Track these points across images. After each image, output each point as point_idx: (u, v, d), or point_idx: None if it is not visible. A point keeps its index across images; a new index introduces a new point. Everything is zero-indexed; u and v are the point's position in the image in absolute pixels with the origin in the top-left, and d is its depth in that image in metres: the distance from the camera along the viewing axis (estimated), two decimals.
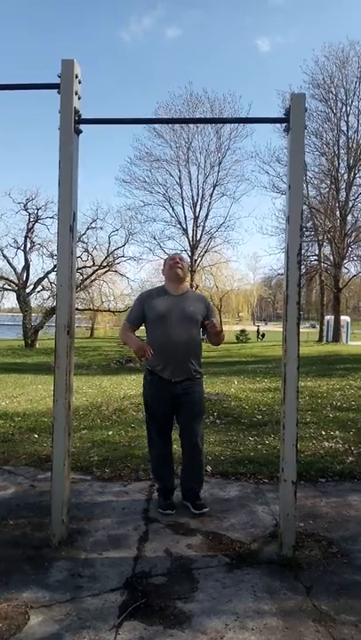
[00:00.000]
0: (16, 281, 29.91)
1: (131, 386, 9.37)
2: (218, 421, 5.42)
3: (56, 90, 2.54)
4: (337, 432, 4.90)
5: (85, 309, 32.12)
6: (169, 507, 3.00)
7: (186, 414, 3.03)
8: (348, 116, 28.98)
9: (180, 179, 31.89)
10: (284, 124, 2.61)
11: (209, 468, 3.73)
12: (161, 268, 3.30)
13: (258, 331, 40.52)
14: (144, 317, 3.06)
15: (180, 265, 3.05)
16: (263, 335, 39.16)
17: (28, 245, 30.33)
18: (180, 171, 31.78)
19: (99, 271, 30.42)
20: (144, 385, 3.16)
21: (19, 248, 30.28)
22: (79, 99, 2.62)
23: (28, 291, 29.75)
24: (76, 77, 2.56)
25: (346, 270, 31.39)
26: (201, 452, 3.11)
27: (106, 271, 31.07)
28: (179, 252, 28.21)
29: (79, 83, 2.60)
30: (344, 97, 28.69)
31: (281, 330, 2.59)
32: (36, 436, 4.82)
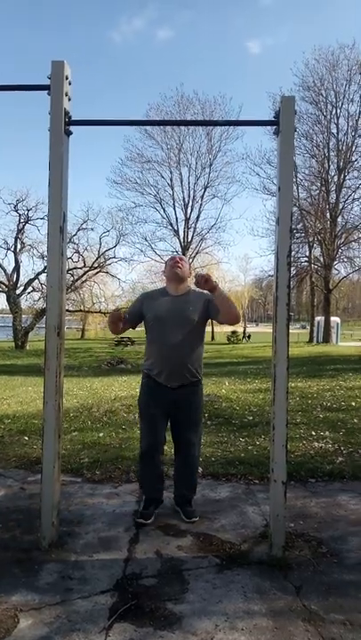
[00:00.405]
0: (6, 282, 29.74)
1: (122, 387, 9.35)
2: (209, 422, 5.42)
3: (46, 91, 2.53)
4: (327, 432, 4.93)
5: (76, 311, 32.02)
6: (144, 516, 2.88)
7: (181, 422, 2.98)
8: (338, 118, 29.29)
9: (171, 180, 32.00)
10: (274, 127, 2.62)
11: (200, 470, 3.73)
12: (160, 270, 3.28)
13: (244, 331, 40.54)
14: (141, 317, 3.00)
15: (179, 265, 2.98)
16: (249, 336, 39.13)
17: (19, 246, 30.20)
18: (171, 172, 31.86)
19: (90, 272, 30.37)
20: (140, 389, 3.09)
21: (9, 249, 30.16)
22: (69, 100, 2.61)
23: (18, 292, 29.59)
24: (67, 79, 2.55)
25: (336, 272, 31.70)
26: (195, 459, 3.06)
27: (97, 272, 31.02)
28: (178, 252, 28.24)
29: (69, 84, 2.60)
30: (334, 99, 28.99)
31: (271, 331, 2.61)
32: (27, 438, 4.80)
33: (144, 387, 3.05)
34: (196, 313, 2.91)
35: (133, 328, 3.14)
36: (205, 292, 2.84)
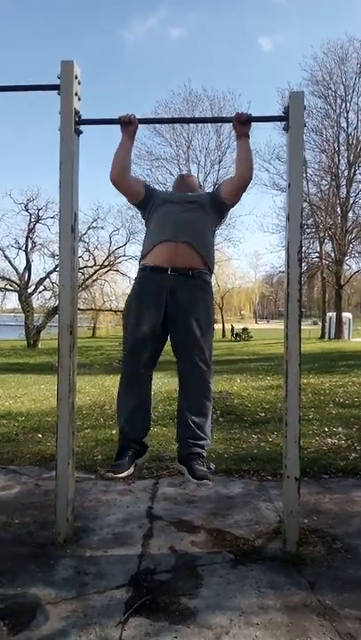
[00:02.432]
0: (18, 281, 29.98)
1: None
2: (221, 419, 5.43)
3: (56, 91, 2.55)
4: (340, 428, 4.91)
5: (87, 309, 32.19)
6: (115, 468, 2.32)
7: (184, 327, 2.42)
8: (347, 112, 28.96)
9: None
10: (283, 122, 2.62)
11: (212, 466, 3.73)
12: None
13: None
14: (149, 193, 2.73)
15: (189, 179, 2.92)
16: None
17: (30, 246, 30.43)
18: (180, 169, 31.75)
19: (100, 271, 30.48)
20: (130, 291, 2.64)
21: (20, 248, 30.39)
22: (79, 99, 2.63)
23: (29, 291, 29.82)
24: (76, 78, 2.57)
25: (347, 267, 31.44)
26: (205, 389, 2.49)
27: (107, 271, 31.13)
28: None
29: (79, 84, 2.62)
30: (343, 93, 28.68)
31: (282, 327, 2.60)
32: (40, 435, 4.85)
33: (136, 284, 2.58)
34: (205, 196, 2.75)
35: (136, 193, 2.72)
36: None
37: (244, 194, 2.72)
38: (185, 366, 2.49)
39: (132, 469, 2.39)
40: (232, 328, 37.10)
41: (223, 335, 39.38)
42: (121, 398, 2.56)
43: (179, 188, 2.85)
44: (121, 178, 2.67)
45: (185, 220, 2.54)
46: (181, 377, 2.53)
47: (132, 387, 2.51)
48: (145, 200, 2.72)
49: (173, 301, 2.41)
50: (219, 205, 2.70)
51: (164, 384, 9.17)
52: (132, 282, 2.70)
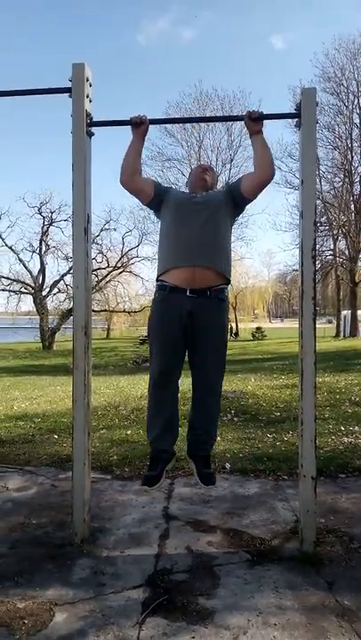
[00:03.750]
0: (32, 284, 30.32)
1: (148, 385, 9.40)
2: (236, 419, 5.42)
3: (67, 94, 2.57)
4: (356, 427, 4.86)
5: (101, 310, 32.40)
6: (148, 480, 2.61)
7: (200, 346, 2.59)
8: (360, 108, 28.66)
9: None
10: (295, 120, 2.60)
11: (228, 466, 3.73)
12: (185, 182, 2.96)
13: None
14: (162, 193, 2.71)
15: (207, 174, 2.82)
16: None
17: (43, 249, 30.78)
18: (191, 169, 31.75)
19: (113, 272, 30.68)
20: (151, 311, 2.73)
21: (34, 251, 30.76)
22: (90, 101, 2.64)
23: (44, 293, 30.12)
24: (87, 80, 2.58)
25: None
26: (215, 397, 2.70)
27: (120, 272, 31.30)
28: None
29: (90, 86, 2.63)
30: (356, 89, 28.37)
31: (296, 326, 2.59)
32: (56, 436, 4.88)
33: (156, 303, 2.65)
34: (222, 194, 2.71)
35: (145, 194, 2.72)
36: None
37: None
38: (200, 381, 2.70)
39: (162, 479, 2.68)
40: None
41: (237, 335, 39.27)
42: (151, 417, 2.77)
43: (196, 182, 2.81)
44: (131, 181, 2.68)
45: (202, 240, 2.53)
46: (196, 389, 2.74)
47: (161, 408, 2.72)
48: (155, 200, 2.73)
49: (192, 325, 2.54)
50: (237, 201, 2.69)
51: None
52: (153, 296, 2.75)
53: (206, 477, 2.62)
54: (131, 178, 2.67)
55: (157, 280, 2.66)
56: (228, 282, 2.65)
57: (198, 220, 2.55)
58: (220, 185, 3.19)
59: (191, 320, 2.52)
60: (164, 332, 2.60)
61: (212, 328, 2.58)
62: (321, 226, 28.48)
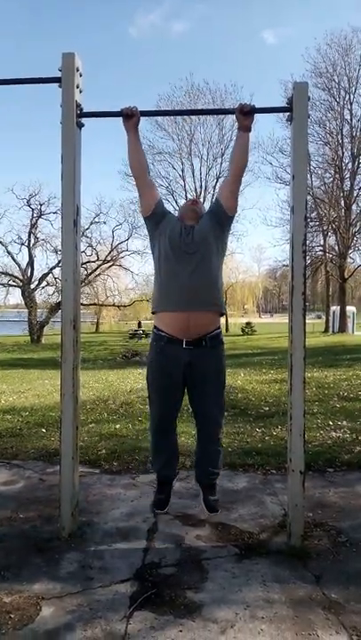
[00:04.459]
0: (21, 277, 30.07)
1: (137, 379, 9.40)
2: (225, 413, 5.42)
3: (57, 84, 2.53)
4: (344, 422, 4.89)
5: (90, 304, 32.25)
6: (160, 504, 2.84)
7: (200, 391, 2.72)
8: (351, 104, 28.81)
9: (182, 171, 31.88)
10: (287, 114, 2.59)
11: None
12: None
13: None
14: (162, 218, 2.76)
15: (196, 205, 2.91)
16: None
17: (32, 241, 30.50)
18: (182, 163, 31.65)
19: (103, 266, 30.54)
20: (148, 361, 2.87)
21: (22, 244, 30.45)
22: (80, 92, 2.60)
23: (32, 286, 29.87)
24: (77, 70, 2.54)
25: (351, 260, 31.32)
26: (218, 435, 2.84)
27: (110, 266, 31.17)
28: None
29: (80, 76, 2.59)
30: (347, 85, 28.50)
31: (286, 321, 2.59)
32: (44, 430, 4.85)
33: (155, 354, 2.75)
34: (209, 222, 2.71)
35: (152, 197, 2.79)
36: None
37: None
38: (202, 426, 2.85)
39: (170, 498, 2.90)
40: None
41: (227, 330, 39.33)
42: (154, 453, 2.94)
43: (186, 214, 2.82)
44: (140, 168, 2.79)
45: (193, 285, 2.58)
46: (199, 423, 2.87)
47: (163, 446, 2.89)
48: (152, 219, 2.77)
49: (191, 373, 2.67)
50: (222, 221, 2.75)
51: None
52: (150, 343, 2.83)
53: (211, 506, 2.75)
54: (140, 167, 2.79)
55: (154, 327, 2.78)
56: (222, 315, 2.76)
57: (190, 265, 2.59)
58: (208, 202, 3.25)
59: (190, 369, 2.65)
60: (163, 381, 2.74)
61: (211, 374, 2.71)
62: (311, 221, 28.59)
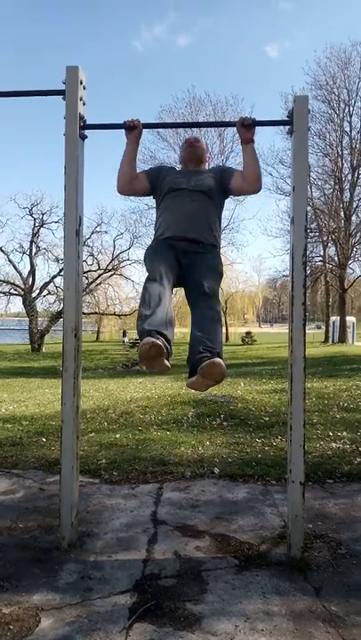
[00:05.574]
0: (22, 285, 30.12)
1: (137, 389, 9.38)
2: (225, 423, 5.42)
3: (61, 96, 2.57)
4: (344, 433, 4.88)
5: (91, 313, 32.23)
6: (150, 334, 2.17)
7: (195, 271, 2.57)
8: (350, 116, 29.01)
9: None
10: (287, 127, 2.62)
11: (216, 470, 3.73)
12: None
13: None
14: (158, 179, 2.77)
15: (197, 144, 2.87)
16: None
17: (34, 250, 30.59)
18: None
19: (104, 275, 30.57)
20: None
21: (24, 253, 30.56)
22: (84, 104, 2.64)
23: (33, 295, 29.91)
24: (81, 83, 2.58)
25: (351, 271, 31.40)
26: (216, 313, 2.49)
27: (111, 275, 31.20)
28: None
29: (84, 89, 2.63)
30: (347, 97, 28.74)
31: (285, 331, 2.60)
32: (44, 439, 4.84)
33: (151, 246, 2.73)
34: (212, 179, 2.73)
35: (146, 190, 2.82)
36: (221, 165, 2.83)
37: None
38: (196, 297, 2.54)
39: (166, 357, 2.19)
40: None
41: (227, 339, 39.32)
42: (144, 305, 2.39)
43: (187, 157, 2.85)
44: (128, 190, 2.81)
45: (191, 213, 2.61)
46: (193, 308, 2.55)
47: (155, 295, 2.38)
48: (152, 190, 2.81)
49: (186, 258, 2.58)
50: (225, 191, 2.77)
51: (167, 387, 9.18)
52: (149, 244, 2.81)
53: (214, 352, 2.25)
54: (128, 186, 2.78)
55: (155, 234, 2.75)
56: (216, 246, 2.70)
57: (190, 198, 2.64)
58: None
59: (184, 256, 2.58)
60: (159, 252, 2.60)
61: (205, 258, 2.60)
62: (311, 232, 28.68)
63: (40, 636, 1.87)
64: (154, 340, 2.12)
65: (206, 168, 2.94)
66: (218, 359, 2.19)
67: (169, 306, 2.40)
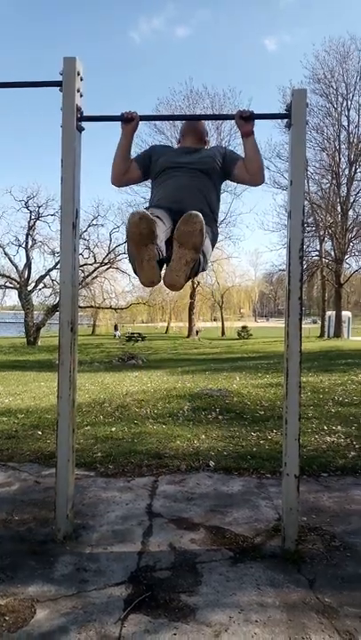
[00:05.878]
0: (18, 279, 29.98)
1: (133, 383, 9.39)
2: (220, 417, 5.44)
3: (58, 87, 2.55)
4: (339, 427, 4.91)
5: (87, 307, 32.19)
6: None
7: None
8: (348, 110, 28.98)
9: None
10: (285, 120, 2.61)
11: (212, 464, 3.75)
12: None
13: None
14: (149, 160, 2.71)
15: (199, 124, 2.82)
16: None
17: (30, 243, 30.47)
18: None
19: (100, 268, 30.47)
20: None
21: (20, 246, 30.45)
22: (81, 96, 2.62)
23: (29, 288, 29.80)
24: (78, 75, 2.56)
25: (347, 265, 31.49)
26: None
27: (107, 268, 31.12)
28: None
29: (81, 80, 2.61)
30: (345, 91, 28.69)
31: (281, 325, 2.60)
32: (40, 432, 4.85)
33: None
34: (212, 159, 2.63)
35: (139, 178, 2.78)
36: (223, 146, 2.68)
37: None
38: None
39: (158, 251, 2.12)
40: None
41: (223, 334, 39.37)
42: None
43: (186, 131, 2.80)
44: (121, 181, 2.77)
45: (188, 187, 2.51)
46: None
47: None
48: (144, 174, 2.76)
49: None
50: (226, 174, 2.69)
51: (163, 381, 9.20)
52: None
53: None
54: (121, 177, 2.74)
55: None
56: (212, 221, 2.59)
57: (189, 174, 2.55)
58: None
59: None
60: (154, 207, 2.43)
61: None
62: (308, 227, 28.71)
63: (35, 626, 1.88)
64: (145, 212, 2.03)
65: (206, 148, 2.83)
66: (194, 211, 2.09)
67: (166, 229, 2.26)
